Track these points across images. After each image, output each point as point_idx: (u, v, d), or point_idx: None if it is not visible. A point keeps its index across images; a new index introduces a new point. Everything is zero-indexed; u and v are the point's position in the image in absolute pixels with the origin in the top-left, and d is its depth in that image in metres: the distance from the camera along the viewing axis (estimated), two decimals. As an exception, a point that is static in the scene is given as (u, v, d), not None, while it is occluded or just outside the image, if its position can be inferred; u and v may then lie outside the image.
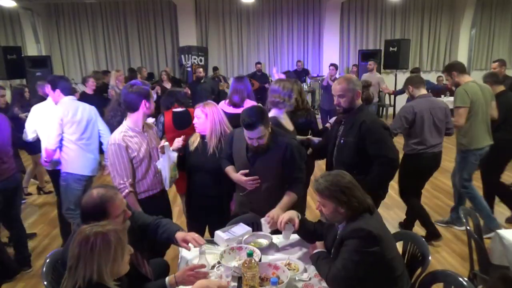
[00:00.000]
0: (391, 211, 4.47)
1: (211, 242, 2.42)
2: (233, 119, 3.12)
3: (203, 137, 2.84)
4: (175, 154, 2.79)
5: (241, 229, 2.43)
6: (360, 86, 2.65)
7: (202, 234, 2.92)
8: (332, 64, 8.12)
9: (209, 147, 2.77)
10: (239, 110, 3.46)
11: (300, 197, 2.75)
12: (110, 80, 6.86)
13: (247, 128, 2.38)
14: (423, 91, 3.61)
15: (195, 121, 2.82)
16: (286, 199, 2.51)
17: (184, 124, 3.48)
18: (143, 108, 2.60)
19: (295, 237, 2.34)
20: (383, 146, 2.52)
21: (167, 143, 2.77)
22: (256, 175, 2.55)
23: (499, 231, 2.57)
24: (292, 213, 2.25)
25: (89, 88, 6.37)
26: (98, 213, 1.77)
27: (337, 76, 8.06)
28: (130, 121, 2.63)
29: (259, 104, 2.80)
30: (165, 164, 2.76)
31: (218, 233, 2.42)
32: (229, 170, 2.67)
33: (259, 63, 10.04)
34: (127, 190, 2.53)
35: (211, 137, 2.76)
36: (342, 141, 2.65)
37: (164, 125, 3.49)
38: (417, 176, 3.70)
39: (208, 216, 2.88)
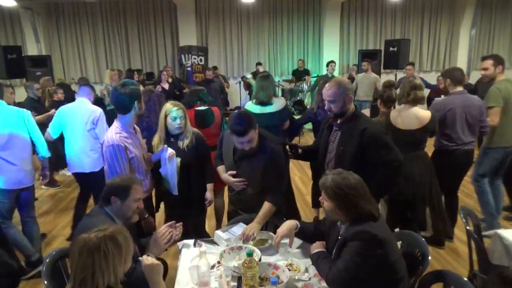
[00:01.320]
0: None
1: (211, 242, 2.43)
2: (260, 118, 3.13)
3: (169, 136, 2.86)
4: (178, 160, 2.80)
5: (241, 229, 2.43)
6: (352, 90, 2.54)
7: (184, 232, 2.99)
8: (331, 61, 8.15)
9: (179, 144, 2.83)
10: (266, 109, 3.50)
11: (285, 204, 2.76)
12: (105, 79, 6.88)
13: (238, 135, 2.39)
14: (460, 88, 3.48)
15: (178, 122, 2.80)
16: (263, 211, 2.47)
17: (206, 122, 3.54)
18: (137, 108, 2.54)
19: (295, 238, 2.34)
20: (388, 152, 2.41)
21: (172, 150, 2.77)
22: (242, 177, 2.63)
23: (499, 231, 2.57)
24: (291, 225, 2.21)
25: None
26: (123, 189, 2.01)
27: (335, 74, 8.10)
28: (123, 122, 2.55)
29: (245, 108, 2.81)
30: (174, 170, 2.79)
31: (218, 232, 2.44)
32: (220, 170, 2.82)
33: (259, 63, 10.04)
34: None
35: (187, 135, 2.85)
36: (341, 150, 2.51)
37: None
38: (450, 174, 3.53)
39: (183, 212, 2.92)
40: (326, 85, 2.54)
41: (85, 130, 3.67)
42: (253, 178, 2.60)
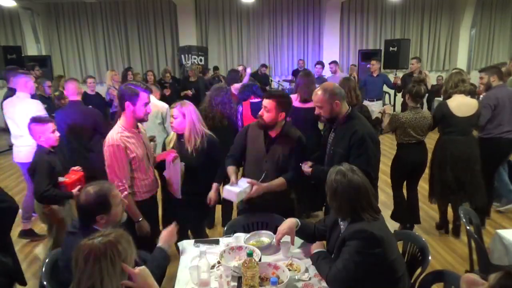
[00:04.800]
0: (390, 211, 4.46)
1: (211, 242, 2.43)
2: (302, 113, 3.65)
3: (179, 136, 2.86)
4: (182, 164, 2.79)
5: (245, 181, 2.52)
6: (341, 94, 2.52)
7: (182, 233, 2.95)
8: (332, 62, 8.03)
9: (187, 146, 2.80)
10: (308, 105, 3.69)
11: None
12: (107, 81, 6.99)
13: (264, 97, 2.63)
14: (501, 82, 3.90)
15: (171, 120, 2.83)
16: (275, 181, 2.59)
17: None
18: (128, 110, 2.49)
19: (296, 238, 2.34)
20: (365, 161, 2.40)
21: (176, 154, 2.77)
22: (270, 161, 2.64)
23: (499, 231, 2.57)
24: (291, 223, 2.22)
25: (90, 88, 6.37)
26: (103, 205, 1.86)
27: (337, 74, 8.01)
28: (124, 121, 2.54)
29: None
30: (177, 174, 2.78)
31: (227, 187, 2.49)
32: (230, 170, 2.73)
33: (264, 66, 9.94)
34: (126, 192, 2.48)
35: (190, 137, 2.79)
36: (331, 150, 2.56)
37: (243, 114, 3.78)
38: (493, 160, 3.92)
39: (185, 213, 2.88)
40: (315, 90, 2.58)
41: (155, 123, 3.94)
42: (278, 162, 2.63)
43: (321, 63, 7.81)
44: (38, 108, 3.92)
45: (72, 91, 4.01)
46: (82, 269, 1.41)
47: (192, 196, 2.87)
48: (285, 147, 2.62)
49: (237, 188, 2.46)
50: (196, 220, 3.00)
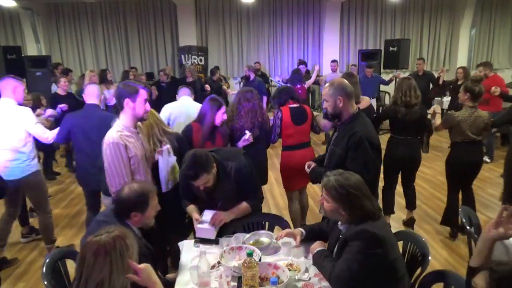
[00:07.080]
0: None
1: (211, 242, 2.43)
2: None
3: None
4: (173, 158, 2.79)
5: (209, 213, 2.49)
6: (346, 91, 2.48)
7: (183, 233, 2.99)
8: (333, 61, 8.49)
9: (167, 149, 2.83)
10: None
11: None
12: (84, 81, 6.38)
13: (191, 180, 2.35)
14: None
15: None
16: (240, 207, 2.55)
17: (301, 119, 3.56)
18: (128, 107, 2.43)
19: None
20: (361, 164, 2.37)
21: (167, 146, 2.78)
22: (219, 205, 2.55)
23: (499, 231, 2.57)
24: (296, 232, 2.29)
25: (61, 88, 6.01)
26: (142, 202, 1.94)
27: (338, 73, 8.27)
28: (124, 120, 2.50)
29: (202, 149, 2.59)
30: (163, 167, 2.80)
31: (200, 226, 2.43)
32: (190, 210, 2.61)
33: (257, 62, 9.99)
34: None
35: (149, 141, 2.81)
36: (331, 150, 2.56)
37: (282, 121, 3.52)
38: None
39: (170, 209, 2.78)
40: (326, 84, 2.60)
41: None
42: (229, 201, 2.57)
43: (303, 62, 8.48)
44: (27, 117, 3.38)
45: (93, 94, 3.58)
46: (91, 265, 1.41)
47: (174, 192, 2.84)
48: (227, 187, 2.50)
49: (204, 221, 2.44)
50: (178, 218, 2.91)
